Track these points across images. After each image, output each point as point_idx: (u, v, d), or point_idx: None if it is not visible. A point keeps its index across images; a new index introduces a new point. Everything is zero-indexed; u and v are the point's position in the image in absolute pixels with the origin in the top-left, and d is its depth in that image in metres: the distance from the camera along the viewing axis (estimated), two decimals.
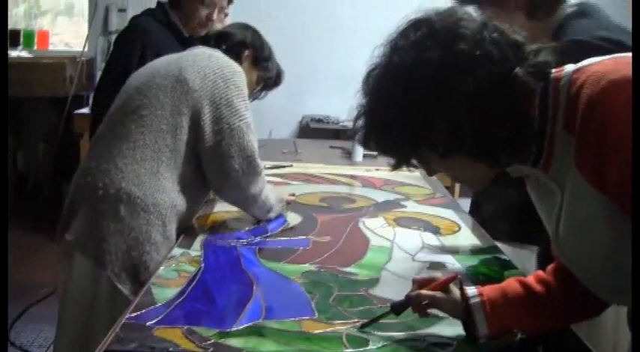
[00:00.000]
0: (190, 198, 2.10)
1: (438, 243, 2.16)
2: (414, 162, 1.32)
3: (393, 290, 1.68)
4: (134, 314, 1.49)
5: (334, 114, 5.33)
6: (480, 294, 1.39)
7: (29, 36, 5.79)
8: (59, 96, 5.18)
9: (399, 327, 1.48)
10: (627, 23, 1.43)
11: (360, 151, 3.54)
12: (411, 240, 2.17)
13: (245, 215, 2.33)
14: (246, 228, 2.21)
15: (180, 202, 2.05)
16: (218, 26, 2.97)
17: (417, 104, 1.21)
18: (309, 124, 5.25)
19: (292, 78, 5.07)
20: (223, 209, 2.43)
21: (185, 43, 2.85)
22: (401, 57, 1.24)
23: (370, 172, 3.25)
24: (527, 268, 1.90)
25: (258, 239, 2.11)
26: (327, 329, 1.46)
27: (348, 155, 3.65)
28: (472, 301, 1.38)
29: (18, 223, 5.07)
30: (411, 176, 3.05)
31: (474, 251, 2.09)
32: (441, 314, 1.48)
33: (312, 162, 3.43)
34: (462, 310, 1.40)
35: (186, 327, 1.43)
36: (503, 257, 2.03)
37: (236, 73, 2.14)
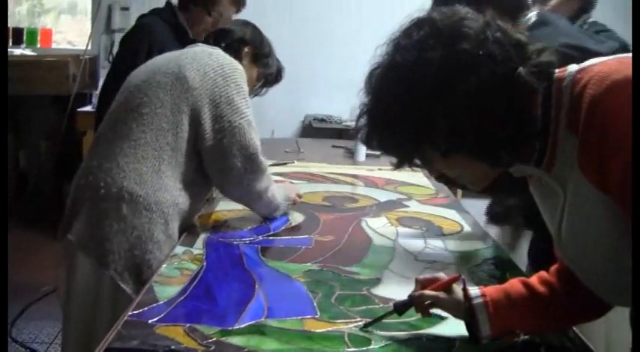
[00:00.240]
0: (192, 196, 2.10)
1: (441, 243, 2.16)
2: (416, 161, 1.32)
3: (395, 289, 1.68)
4: (136, 312, 1.50)
5: (337, 114, 5.32)
6: (483, 295, 1.39)
7: (32, 34, 5.80)
8: (62, 95, 5.18)
9: (401, 327, 1.48)
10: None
11: (362, 151, 3.54)
12: (413, 239, 2.17)
13: (247, 214, 2.33)
14: (249, 227, 2.20)
15: (182, 200, 2.05)
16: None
17: (419, 103, 1.21)
18: (311, 124, 5.25)
19: (295, 77, 5.07)
20: (226, 207, 2.43)
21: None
22: (403, 56, 1.24)
23: (372, 172, 3.25)
24: None
25: (260, 238, 2.11)
26: (329, 329, 1.46)
27: (351, 154, 3.65)
28: (475, 301, 1.38)
29: (19, 222, 5.07)
30: (414, 175, 3.04)
31: (477, 251, 2.09)
32: (443, 314, 1.48)
33: (314, 161, 3.43)
34: (465, 310, 1.39)
35: (187, 325, 1.43)
36: (506, 257, 2.04)
37: (236, 71, 2.14)
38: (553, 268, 1.40)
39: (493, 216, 2.41)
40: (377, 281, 1.78)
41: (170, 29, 3.04)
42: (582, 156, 1.15)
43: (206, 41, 2.34)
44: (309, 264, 1.88)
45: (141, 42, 2.96)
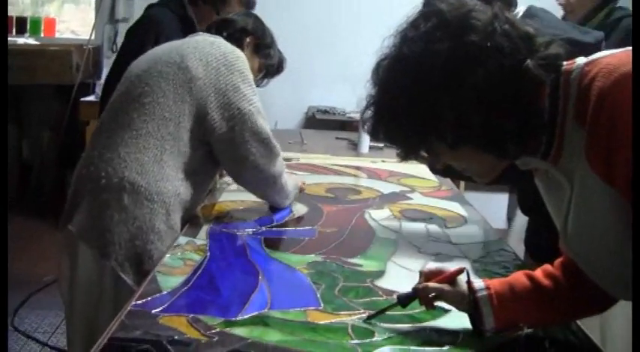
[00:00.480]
0: (194, 186, 2.09)
1: (444, 235, 2.15)
2: (422, 153, 1.32)
3: (398, 282, 1.68)
4: (139, 302, 1.50)
5: (340, 105, 5.32)
6: (487, 287, 1.39)
7: (36, 23, 5.78)
8: (65, 84, 5.17)
9: (404, 319, 1.48)
10: None
11: (365, 142, 3.53)
12: (416, 232, 2.17)
13: (251, 205, 2.33)
14: (252, 218, 2.20)
15: (183, 190, 2.04)
16: None
17: (427, 95, 1.20)
18: (315, 115, 5.24)
19: (298, 68, 5.07)
20: (229, 198, 2.43)
21: None
22: (410, 48, 1.23)
23: (376, 164, 3.25)
24: None
25: (264, 229, 2.11)
26: (333, 320, 1.46)
27: (354, 146, 3.64)
28: (479, 294, 1.38)
29: (22, 212, 5.08)
30: (417, 168, 3.04)
31: (480, 244, 2.09)
32: (447, 306, 1.48)
33: (317, 153, 3.43)
34: (469, 303, 1.39)
35: (191, 316, 1.43)
36: (509, 249, 2.03)
37: (239, 59, 2.13)
38: (557, 261, 1.40)
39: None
40: (380, 273, 1.77)
41: (178, 21, 3.03)
42: (590, 148, 1.15)
43: (208, 31, 2.33)
44: (312, 255, 1.88)
45: (148, 33, 2.95)
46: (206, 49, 2.09)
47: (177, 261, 1.76)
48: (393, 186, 2.81)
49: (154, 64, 2.08)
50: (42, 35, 5.75)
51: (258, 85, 2.42)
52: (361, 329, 1.42)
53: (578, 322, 1.49)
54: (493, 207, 4.79)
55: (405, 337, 1.40)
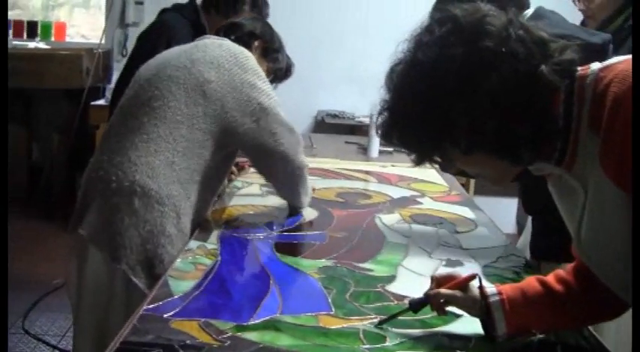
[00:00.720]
0: (205, 190, 2.10)
1: (455, 240, 2.15)
2: (436, 158, 1.32)
3: (409, 286, 1.68)
4: (151, 306, 1.50)
5: (349, 109, 5.32)
6: (500, 293, 1.38)
7: (46, 27, 5.81)
8: (75, 88, 5.20)
9: (416, 324, 1.48)
10: None
11: (375, 147, 3.53)
12: (427, 236, 2.17)
13: (261, 209, 2.33)
14: (263, 222, 2.20)
15: (194, 193, 2.05)
16: None
17: (441, 100, 1.20)
18: (324, 119, 5.24)
19: (307, 73, 5.08)
20: (239, 203, 2.43)
21: None
22: (425, 53, 1.23)
23: (386, 168, 3.25)
24: None
25: (274, 233, 2.11)
26: (344, 325, 1.46)
27: (364, 150, 3.64)
28: (491, 299, 1.38)
29: (32, 215, 5.10)
30: (426, 172, 3.04)
31: (491, 248, 2.08)
32: (458, 312, 1.48)
33: (327, 157, 3.43)
34: (481, 308, 1.39)
35: (203, 320, 1.43)
36: (520, 255, 2.03)
37: (250, 58, 2.15)
38: (570, 266, 1.40)
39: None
40: (391, 278, 1.77)
41: (190, 27, 3.03)
42: (604, 154, 1.14)
43: (216, 34, 2.33)
44: (323, 259, 1.88)
45: (160, 38, 2.96)
46: (216, 52, 2.10)
47: (189, 266, 1.77)
48: (403, 190, 2.81)
49: (163, 68, 2.08)
50: (52, 39, 5.78)
51: None
52: (373, 334, 1.42)
53: (590, 327, 1.48)
54: (502, 211, 4.79)
55: (416, 342, 1.40)
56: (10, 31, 5.61)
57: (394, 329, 1.45)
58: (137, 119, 2.03)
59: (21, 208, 4.98)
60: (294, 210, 2.34)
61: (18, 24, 5.76)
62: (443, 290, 1.44)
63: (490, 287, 1.41)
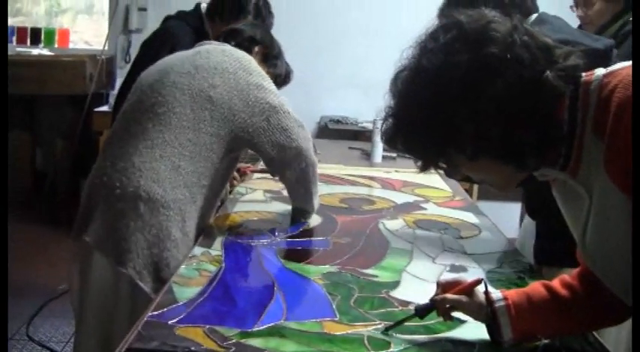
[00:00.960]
0: (209, 194, 2.11)
1: (459, 245, 2.15)
2: (441, 164, 1.32)
3: (413, 292, 1.68)
4: (155, 313, 1.49)
5: (352, 115, 5.32)
6: (505, 298, 1.38)
7: (50, 34, 5.83)
8: (79, 94, 5.21)
9: (420, 330, 1.47)
10: None
11: (379, 152, 3.53)
12: (431, 242, 2.16)
13: (265, 215, 2.33)
14: (267, 229, 2.20)
15: (201, 197, 2.05)
16: None
17: (446, 107, 1.21)
18: (327, 125, 5.24)
19: (310, 78, 5.08)
20: (243, 209, 2.43)
21: None
22: (430, 59, 1.23)
23: (389, 174, 3.25)
24: None
25: (278, 239, 2.10)
26: (349, 331, 1.46)
27: (367, 156, 3.65)
28: (497, 305, 1.37)
29: (36, 220, 5.11)
30: (430, 178, 3.04)
31: (495, 254, 2.08)
32: (463, 317, 1.47)
33: (331, 162, 3.43)
34: (487, 314, 1.39)
35: (207, 327, 1.43)
36: (525, 260, 2.03)
37: (252, 61, 2.17)
38: (575, 271, 1.40)
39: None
40: (395, 284, 1.77)
41: (194, 34, 3.04)
42: (609, 160, 1.14)
43: (216, 40, 2.34)
44: (327, 266, 1.88)
45: (164, 45, 2.96)
46: (219, 58, 2.11)
47: (193, 272, 1.77)
48: (407, 196, 2.81)
49: (166, 74, 2.09)
50: (56, 46, 5.80)
51: None
52: (377, 340, 1.42)
53: (595, 333, 1.48)
54: (506, 216, 4.77)
55: (420, 348, 1.40)
56: (14, 38, 5.63)
57: (399, 335, 1.44)
58: (141, 125, 2.03)
59: (24, 214, 4.99)
60: (300, 216, 2.33)
61: (21, 31, 5.78)
62: (449, 296, 1.43)
63: (496, 293, 1.41)
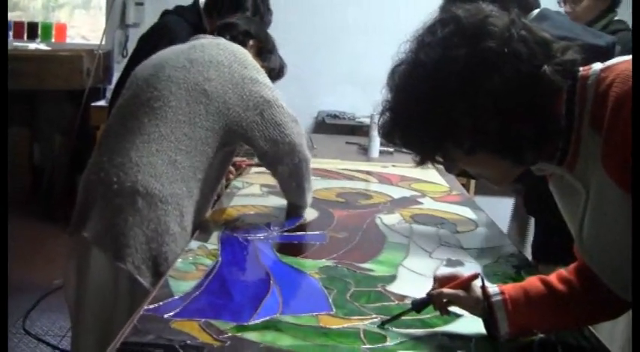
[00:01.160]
0: (207, 187, 2.11)
1: (455, 240, 2.15)
2: (439, 158, 1.31)
3: (410, 287, 1.68)
4: (152, 307, 1.50)
5: (350, 110, 5.32)
6: (502, 292, 1.38)
7: (47, 28, 5.82)
8: (76, 89, 5.20)
9: (417, 324, 1.47)
10: None
11: (376, 147, 3.53)
12: (428, 237, 2.16)
13: (261, 210, 2.33)
14: (263, 223, 2.20)
15: (197, 191, 2.05)
16: None
17: (443, 101, 1.20)
18: (324, 120, 5.24)
19: (308, 73, 5.07)
20: (239, 203, 2.43)
21: None
22: (427, 53, 1.23)
23: (386, 168, 3.24)
24: None
25: (275, 233, 2.10)
26: (345, 325, 1.46)
27: (364, 151, 3.64)
28: (494, 299, 1.38)
29: (33, 215, 5.10)
30: (427, 173, 3.04)
31: (491, 249, 2.08)
32: (459, 312, 1.47)
33: (328, 157, 3.43)
34: (484, 308, 1.39)
35: (203, 320, 1.43)
36: (521, 255, 2.03)
37: (247, 55, 2.17)
38: (572, 266, 1.40)
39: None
40: (392, 279, 1.77)
41: (191, 30, 3.03)
42: (606, 154, 1.14)
43: (211, 34, 2.34)
44: (323, 260, 1.87)
45: (161, 41, 2.94)
46: (214, 51, 2.10)
47: (189, 266, 1.76)
48: (404, 190, 2.81)
49: (161, 69, 2.08)
50: (53, 40, 5.78)
51: None
52: (373, 334, 1.42)
53: (591, 328, 1.48)
54: (503, 211, 4.77)
55: (417, 342, 1.40)
56: (11, 33, 5.61)
57: (395, 329, 1.44)
58: (137, 119, 2.02)
59: (22, 209, 4.98)
60: (294, 212, 2.33)
61: (18, 25, 5.76)
62: (446, 290, 1.44)
63: (492, 287, 1.41)
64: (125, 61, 4.01)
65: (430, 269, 1.81)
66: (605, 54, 1.89)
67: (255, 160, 2.84)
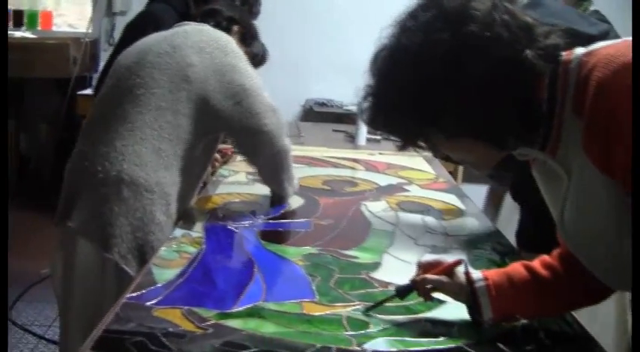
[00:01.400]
0: (191, 175, 2.09)
1: (441, 227, 2.14)
2: (421, 143, 1.31)
3: (394, 273, 1.68)
4: (134, 295, 1.49)
5: (338, 98, 5.30)
6: (485, 278, 1.38)
7: (33, 16, 5.78)
8: (63, 78, 5.16)
9: (400, 311, 1.47)
10: None
11: (363, 135, 3.52)
12: (413, 224, 2.16)
13: (247, 197, 2.32)
14: (248, 210, 2.19)
15: (181, 179, 2.04)
16: None
17: (425, 85, 1.20)
18: (312, 108, 5.23)
19: (296, 61, 5.05)
20: (225, 191, 2.42)
21: None
22: (409, 38, 1.22)
23: (373, 156, 3.24)
24: None
25: (259, 221, 2.10)
26: (328, 312, 1.46)
27: (351, 139, 3.63)
28: (477, 285, 1.38)
29: (19, 205, 5.06)
30: (414, 160, 3.04)
31: (477, 235, 2.08)
32: (443, 297, 1.47)
33: (315, 145, 3.42)
34: (467, 294, 1.39)
35: (186, 308, 1.42)
36: (506, 242, 2.03)
37: (230, 41, 2.14)
38: (555, 252, 1.40)
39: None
40: (376, 266, 1.77)
41: (179, 18, 2.99)
42: (588, 139, 1.14)
43: (194, 20, 2.32)
44: (308, 247, 1.87)
45: (147, 29, 2.90)
46: (197, 37, 2.09)
47: (173, 254, 1.76)
48: (390, 178, 2.80)
49: (144, 56, 2.06)
50: (39, 28, 5.74)
51: None
52: (356, 321, 1.42)
53: (574, 313, 1.48)
54: None
55: (399, 328, 1.40)
56: None
57: (378, 316, 1.44)
58: (120, 107, 2.00)
59: (9, 199, 4.95)
60: (276, 200, 2.32)
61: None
62: (429, 276, 1.43)
63: (476, 273, 1.41)
64: (112, 49, 3.99)
65: (415, 257, 1.80)
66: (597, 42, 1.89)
67: None
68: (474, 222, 2.24)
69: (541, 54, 1.19)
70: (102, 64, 4.84)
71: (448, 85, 1.18)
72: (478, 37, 1.18)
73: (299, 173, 2.59)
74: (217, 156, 2.71)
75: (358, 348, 1.30)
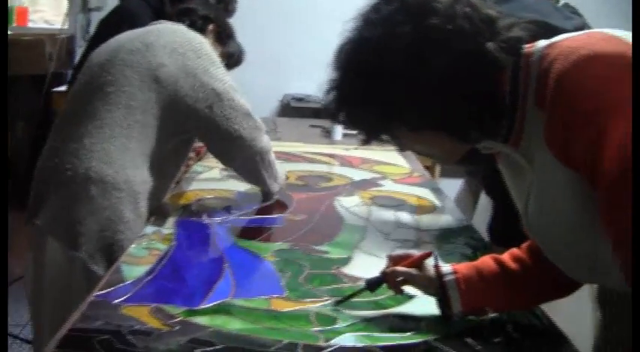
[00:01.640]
0: (162, 175, 2.07)
1: (414, 222, 2.14)
2: (385, 137, 1.30)
3: (364, 268, 1.67)
4: (102, 292, 1.48)
5: (316, 93, 5.29)
6: (455, 271, 1.39)
7: (8, 13, 5.71)
8: (38, 74, 5.12)
9: (368, 306, 1.47)
10: None
11: (339, 130, 3.52)
12: (386, 218, 2.16)
13: (220, 193, 2.32)
14: (221, 206, 2.18)
15: (151, 178, 2.02)
16: None
17: (387, 78, 1.19)
18: (289, 103, 5.21)
19: (274, 56, 5.03)
20: (198, 187, 2.41)
21: None
22: (371, 31, 1.22)
23: (349, 151, 3.23)
24: None
25: (232, 217, 2.09)
26: (296, 308, 1.45)
27: (328, 134, 3.63)
28: (447, 278, 1.38)
29: None
30: (390, 154, 3.03)
31: (449, 229, 2.09)
32: (412, 292, 1.47)
33: (291, 140, 3.41)
34: (437, 287, 1.39)
35: (153, 305, 1.41)
36: (477, 236, 2.03)
37: (204, 43, 2.12)
38: (524, 245, 1.41)
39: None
40: (347, 260, 1.76)
41: (154, 15, 2.96)
42: (549, 130, 1.13)
43: (169, 19, 2.30)
44: (279, 243, 1.87)
45: (121, 25, 2.87)
46: (170, 37, 2.07)
47: (142, 251, 1.74)
48: (365, 173, 2.80)
49: (116, 53, 2.04)
50: (14, 25, 5.68)
51: None
52: (324, 317, 1.41)
53: (542, 307, 1.49)
54: None
55: (368, 324, 1.40)
56: None
57: (346, 311, 1.44)
58: (91, 104, 1.99)
59: None
60: (264, 196, 2.32)
61: None
62: (399, 268, 1.43)
63: (445, 266, 1.41)
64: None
65: (386, 251, 1.79)
66: None
67: None
68: (447, 217, 2.24)
69: (503, 46, 1.19)
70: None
71: (410, 77, 1.18)
72: (440, 29, 1.17)
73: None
74: (192, 154, 2.70)
75: (325, 344, 1.30)
